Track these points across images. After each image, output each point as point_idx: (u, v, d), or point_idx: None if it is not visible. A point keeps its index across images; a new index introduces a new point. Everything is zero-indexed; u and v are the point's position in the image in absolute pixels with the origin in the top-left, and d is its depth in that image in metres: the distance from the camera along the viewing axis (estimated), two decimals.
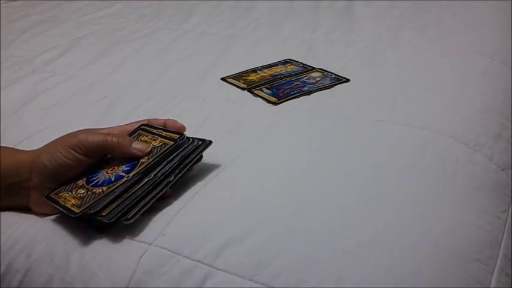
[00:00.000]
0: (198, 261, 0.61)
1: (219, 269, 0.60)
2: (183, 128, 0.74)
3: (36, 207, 0.70)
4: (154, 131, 0.73)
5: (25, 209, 0.70)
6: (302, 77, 1.03)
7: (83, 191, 0.66)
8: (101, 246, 0.63)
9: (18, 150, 0.74)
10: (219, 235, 0.63)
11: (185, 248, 0.62)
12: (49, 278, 0.63)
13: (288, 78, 1.03)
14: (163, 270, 0.61)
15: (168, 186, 0.67)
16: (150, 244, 0.63)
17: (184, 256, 0.61)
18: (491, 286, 0.65)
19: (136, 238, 0.63)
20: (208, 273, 0.60)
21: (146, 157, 0.68)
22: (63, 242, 0.65)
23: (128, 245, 0.63)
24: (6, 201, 0.70)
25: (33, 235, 0.66)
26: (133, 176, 0.66)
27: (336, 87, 0.98)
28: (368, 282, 0.58)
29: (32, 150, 0.71)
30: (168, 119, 0.75)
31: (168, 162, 0.68)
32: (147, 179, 0.66)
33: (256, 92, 0.98)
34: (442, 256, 0.62)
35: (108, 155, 0.71)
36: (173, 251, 0.62)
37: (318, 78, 1.02)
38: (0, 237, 0.67)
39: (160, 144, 0.70)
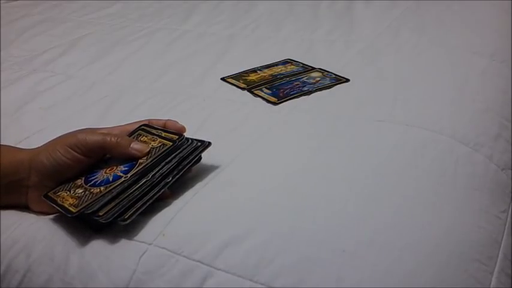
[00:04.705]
0: (198, 261, 0.61)
1: (219, 269, 0.60)
2: (183, 129, 0.74)
3: (34, 206, 0.70)
4: (153, 131, 0.72)
5: (23, 207, 0.70)
6: (302, 77, 1.03)
7: (80, 191, 0.66)
8: (101, 246, 0.63)
9: (18, 148, 0.74)
10: (219, 235, 0.62)
11: (185, 248, 0.62)
12: (49, 278, 0.63)
13: (288, 78, 1.02)
14: (163, 271, 0.61)
15: (166, 187, 0.67)
16: (149, 244, 0.63)
17: (184, 256, 0.61)
18: (491, 286, 0.65)
19: (136, 238, 0.63)
20: (208, 273, 0.60)
21: (145, 158, 0.68)
22: (63, 242, 0.65)
23: (127, 245, 0.63)
24: (5, 199, 0.70)
25: (32, 235, 0.66)
26: (131, 176, 0.66)
27: (335, 87, 0.98)
28: (368, 282, 0.58)
29: (32, 149, 0.71)
30: (169, 120, 0.75)
31: (167, 163, 0.68)
32: (145, 180, 0.66)
33: (256, 92, 0.98)
34: (442, 256, 0.62)
35: (107, 155, 0.71)
36: (173, 251, 0.62)
37: (318, 78, 1.02)
38: (0, 237, 0.67)
39: (159, 145, 0.70)
